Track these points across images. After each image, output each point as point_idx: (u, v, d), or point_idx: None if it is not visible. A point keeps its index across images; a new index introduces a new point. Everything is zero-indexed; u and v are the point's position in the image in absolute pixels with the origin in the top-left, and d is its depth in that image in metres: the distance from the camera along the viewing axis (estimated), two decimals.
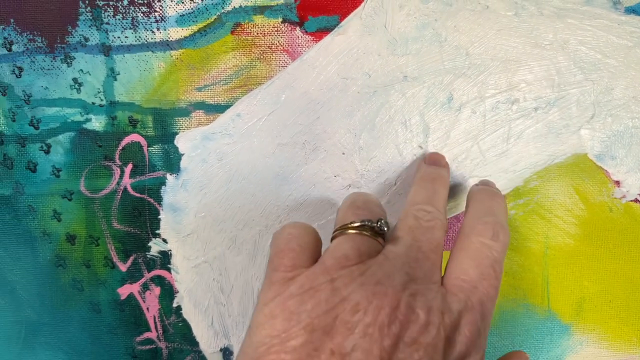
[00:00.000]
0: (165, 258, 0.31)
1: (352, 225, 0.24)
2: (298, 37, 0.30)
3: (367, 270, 0.22)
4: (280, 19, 0.30)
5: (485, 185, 0.29)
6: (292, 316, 0.21)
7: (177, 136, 0.31)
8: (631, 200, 0.31)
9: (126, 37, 0.30)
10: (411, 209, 0.25)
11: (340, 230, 0.24)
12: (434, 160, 0.30)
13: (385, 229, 0.24)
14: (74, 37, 0.30)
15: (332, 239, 0.24)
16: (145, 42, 0.30)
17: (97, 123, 0.31)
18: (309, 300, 0.21)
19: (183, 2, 0.30)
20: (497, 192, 0.28)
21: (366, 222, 0.24)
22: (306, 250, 0.24)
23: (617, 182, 0.31)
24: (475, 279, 0.23)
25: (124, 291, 0.31)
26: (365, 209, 0.25)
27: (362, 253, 0.23)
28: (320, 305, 0.21)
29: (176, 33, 0.30)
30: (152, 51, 0.30)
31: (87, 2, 0.30)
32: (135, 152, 0.31)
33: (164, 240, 0.31)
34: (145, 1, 0.30)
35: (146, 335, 0.31)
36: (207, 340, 0.32)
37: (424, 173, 0.28)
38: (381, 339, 0.20)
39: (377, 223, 0.24)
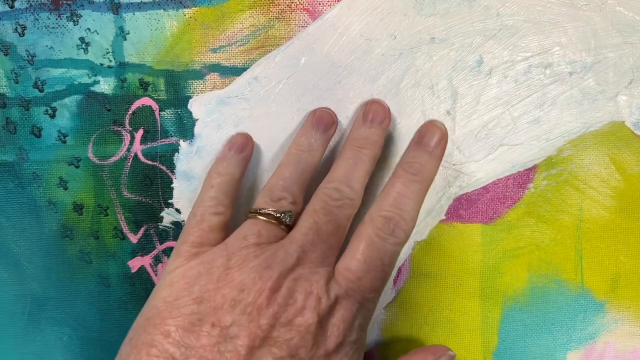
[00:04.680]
0: (178, 229, 0.30)
1: (261, 211, 0.26)
2: None
3: (261, 254, 0.24)
4: None
5: (413, 162, 0.27)
6: (187, 287, 0.24)
7: (190, 100, 0.29)
8: None
9: None
10: (325, 186, 0.26)
11: (252, 214, 0.26)
12: (371, 116, 0.28)
13: (288, 221, 0.26)
14: None
15: (246, 219, 0.26)
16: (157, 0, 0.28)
17: (105, 85, 0.29)
18: (204, 276, 0.24)
19: None
20: (417, 174, 0.26)
21: (272, 213, 0.26)
22: (215, 231, 0.26)
23: None
24: (361, 271, 0.25)
25: (134, 264, 0.30)
26: (279, 198, 0.26)
27: (262, 236, 0.25)
28: (212, 282, 0.24)
29: None
30: (164, 9, 0.28)
31: None
32: (147, 117, 0.29)
33: (177, 210, 0.30)
34: None
35: None
36: None
37: (353, 138, 0.27)
38: (258, 318, 0.23)
39: (282, 215, 0.26)
